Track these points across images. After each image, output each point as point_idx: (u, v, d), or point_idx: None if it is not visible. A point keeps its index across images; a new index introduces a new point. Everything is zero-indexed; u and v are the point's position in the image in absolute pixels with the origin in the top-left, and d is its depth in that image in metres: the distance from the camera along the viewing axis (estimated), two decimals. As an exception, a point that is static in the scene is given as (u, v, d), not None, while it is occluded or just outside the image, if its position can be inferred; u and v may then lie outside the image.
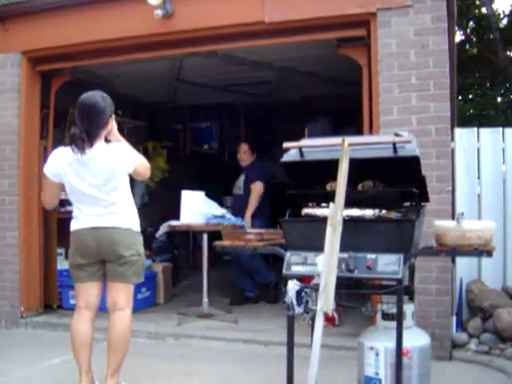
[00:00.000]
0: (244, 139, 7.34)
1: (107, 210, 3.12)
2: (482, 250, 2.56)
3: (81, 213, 3.17)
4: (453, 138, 4.27)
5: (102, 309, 3.27)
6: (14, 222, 5.10)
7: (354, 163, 2.53)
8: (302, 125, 6.92)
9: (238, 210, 5.71)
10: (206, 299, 5.11)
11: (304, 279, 2.62)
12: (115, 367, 3.14)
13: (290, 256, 2.74)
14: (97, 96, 3.12)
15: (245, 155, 5.96)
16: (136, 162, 3.14)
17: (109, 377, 3.12)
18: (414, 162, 2.62)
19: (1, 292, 5.13)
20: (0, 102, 5.17)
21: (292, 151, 2.83)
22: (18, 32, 5.13)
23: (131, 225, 3.20)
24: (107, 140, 3.21)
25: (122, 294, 3.20)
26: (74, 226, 3.21)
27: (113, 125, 3.22)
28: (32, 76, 5.22)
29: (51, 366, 3.91)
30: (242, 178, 6.03)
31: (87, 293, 3.21)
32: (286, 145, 2.83)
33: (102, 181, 3.08)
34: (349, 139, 2.54)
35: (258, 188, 5.78)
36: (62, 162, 3.12)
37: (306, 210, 2.86)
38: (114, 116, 3.23)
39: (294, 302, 2.50)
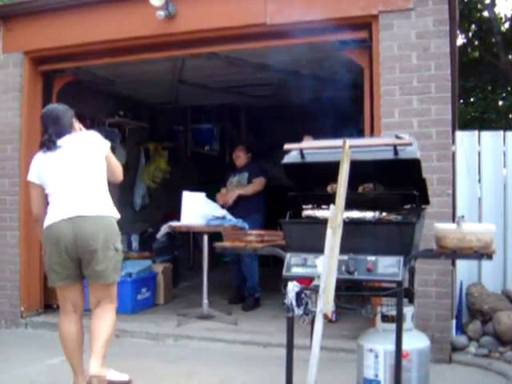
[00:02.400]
0: (241, 141, 7.48)
1: (86, 197, 3.11)
2: (482, 253, 2.57)
3: (58, 204, 3.11)
4: (454, 141, 4.27)
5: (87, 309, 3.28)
6: (14, 221, 5.11)
7: (355, 165, 2.53)
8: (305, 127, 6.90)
9: (244, 210, 5.51)
10: (205, 300, 5.12)
11: (304, 281, 2.62)
12: (98, 351, 3.05)
13: (290, 257, 2.74)
14: (54, 104, 3.48)
15: (239, 152, 6.06)
16: (109, 148, 3.28)
17: (92, 358, 3.03)
18: (414, 165, 2.63)
19: (1, 292, 5.13)
20: (2, 101, 5.18)
21: (293, 153, 2.84)
22: (20, 32, 5.14)
23: (112, 212, 3.21)
24: None
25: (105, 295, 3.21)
26: (48, 220, 3.13)
27: (79, 127, 3.37)
28: (34, 76, 5.23)
29: (51, 365, 3.91)
30: (240, 178, 5.95)
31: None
32: (286, 146, 2.83)
33: (79, 162, 3.14)
34: (350, 141, 2.55)
35: (261, 181, 5.84)
36: (40, 163, 3.22)
37: (306, 212, 2.86)
38: (76, 119, 3.37)
39: (294, 303, 2.50)
